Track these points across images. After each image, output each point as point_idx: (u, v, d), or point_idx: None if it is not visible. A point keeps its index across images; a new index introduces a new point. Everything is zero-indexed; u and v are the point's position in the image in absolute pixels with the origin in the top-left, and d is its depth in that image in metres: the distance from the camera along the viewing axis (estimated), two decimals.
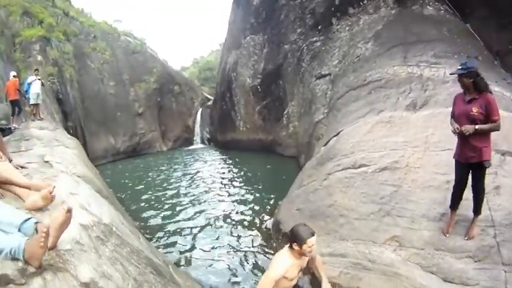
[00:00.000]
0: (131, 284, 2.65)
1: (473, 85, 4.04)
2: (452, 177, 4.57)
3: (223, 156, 21.60)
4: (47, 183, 3.04)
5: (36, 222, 2.35)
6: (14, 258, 2.11)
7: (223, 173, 16.01)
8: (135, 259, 3.17)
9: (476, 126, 3.93)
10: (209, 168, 17.84)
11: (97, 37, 28.39)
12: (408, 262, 4.41)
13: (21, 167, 3.57)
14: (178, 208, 10.49)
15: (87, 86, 25.07)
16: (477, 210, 4.28)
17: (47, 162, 4.76)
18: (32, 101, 12.59)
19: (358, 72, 9.87)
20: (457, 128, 4.05)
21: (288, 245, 3.68)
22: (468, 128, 3.93)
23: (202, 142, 31.66)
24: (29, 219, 2.36)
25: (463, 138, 4.10)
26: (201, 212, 9.87)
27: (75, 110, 21.58)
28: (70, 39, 25.23)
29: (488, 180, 4.45)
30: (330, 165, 6.94)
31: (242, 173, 15.36)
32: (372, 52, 10.12)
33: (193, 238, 7.85)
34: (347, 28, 12.68)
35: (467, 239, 4.30)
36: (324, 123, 10.87)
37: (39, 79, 12.91)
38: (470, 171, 4.22)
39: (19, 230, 2.30)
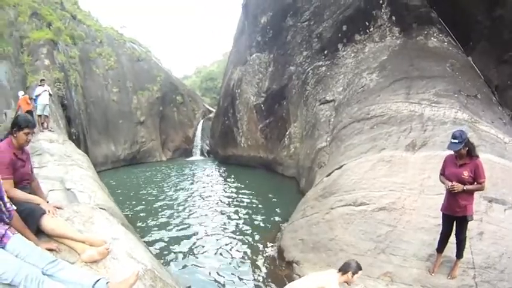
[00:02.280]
0: None
1: (466, 152, 4.53)
2: (440, 221, 5.03)
3: (224, 171, 21.71)
4: (101, 240, 3.23)
5: (107, 282, 2.62)
6: None
7: (223, 186, 16.19)
8: None
9: (465, 187, 4.46)
10: (210, 182, 17.96)
11: (103, 42, 28.74)
12: None
13: (59, 208, 3.69)
14: (175, 216, 10.78)
15: (91, 92, 25.33)
16: (459, 254, 4.81)
17: (69, 189, 5.13)
18: (39, 112, 12.67)
19: (362, 104, 10.00)
20: (451, 186, 4.52)
21: (338, 271, 3.95)
22: (458, 187, 4.46)
23: (202, 154, 31.77)
24: (99, 279, 2.61)
25: (451, 194, 4.60)
26: (198, 224, 10.09)
27: (79, 116, 21.69)
28: (77, 43, 25.52)
29: (474, 226, 5.06)
30: (332, 200, 7.33)
31: (242, 188, 15.47)
32: (377, 84, 10.25)
33: (192, 254, 8.01)
34: (353, 55, 12.85)
35: (450, 278, 4.85)
36: (326, 151, 10.98)
37: (45, 90, 12.97)
38: (455, 222, 4.73)
39: None
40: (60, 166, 6.78)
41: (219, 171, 21.85)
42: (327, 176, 8.58)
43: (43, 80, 14.17)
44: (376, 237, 5.87)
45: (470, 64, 10.22)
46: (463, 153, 4.51)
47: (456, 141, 4.43)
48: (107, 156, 24.76)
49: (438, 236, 5.00)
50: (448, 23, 11.25)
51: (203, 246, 8.54)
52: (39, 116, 12.68)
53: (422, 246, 5.38)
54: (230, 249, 8.35)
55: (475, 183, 4.48)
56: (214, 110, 32.34)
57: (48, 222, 3.15)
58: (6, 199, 2.79)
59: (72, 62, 23.44)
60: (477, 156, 4.55)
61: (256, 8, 20.74)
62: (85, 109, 23.73)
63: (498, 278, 4.62)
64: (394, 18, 12.14)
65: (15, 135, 3.47)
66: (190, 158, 30.95)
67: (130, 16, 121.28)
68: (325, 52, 14.33)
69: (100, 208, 4.75)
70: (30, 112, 12.35)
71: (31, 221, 3.11)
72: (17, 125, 3.45)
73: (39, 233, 3.13)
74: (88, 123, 23.65)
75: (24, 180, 3.67)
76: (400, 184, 6.55)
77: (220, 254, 8.08)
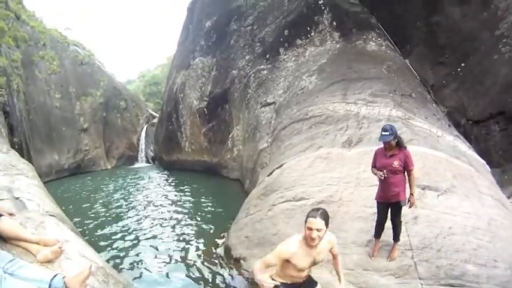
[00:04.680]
0: None
1: (396, 144, 4.84)
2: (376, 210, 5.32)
3: (169, 176, 21.40)
4: (54, 239, 3.36)
5: (63, 277, 2.77)
6: None
7: (170, 192, 15.87)
8: None
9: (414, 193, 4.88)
10: (155, 188, 17.56)
11: (46, 45, 27.19)
12: None
13: (11, 214, 3.67)
14: (123, 225, 10.47)
15: (33, 98, 23.79)
16: (396, 237, 5.10)
17: (17, 198, 5.23)
18: None
19: (301, 105, 10.24)
20: (382, 175, 4.84)
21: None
22: (415, 202, 4.94)
23: (147, 161, 31.27)
24: (56, 275, 2.77)
25: (384, 183, 4.93)
26: (147, 231, 9.87)
27: (21, 124, 19.96)
28: (20, 46, 23.79)
29: (408, 212, 5.35)
30: (274, 197, 7.47)
31: (188, 193, 15.31)
32: (315, 86, 10.54)
33: (140, 260, 7.83)
34: (293, 59, 13.14)
35: (389, 261, 5.09)
36: (268, 152, 11.08)
37: None
38: (390, 209, 5.02)
39: (49, 286, 2.69)
40: (6, 176, 6.70)
41: (164, 177, 21.46)
42: (268, 175, 8.72)
43: None
44: None
45: (407, 66, 10.94)
46: (393, 145, 4.81)
47: (387, 133, 4.71)
48: (51, 166, 23.26)
49: (375, 224, 5.26)
50: (386, 28, 11.97)
51: (151, 251, 8.39)
52: None
53: (360, 234, 5.66)
54: (178, 252, 8.30)
55: (405, 171, 4.82)
56: (157, 115, 31.71)
57: (4, 225, 3.20)
58: None
59: (14, 65, 21.75)
60: (405, 147, 4.85)
61: (201, 12, 20.76)
62: (27, 116, 22.04)
63: (436, 256, 4.89)
64: (335, 23, 12.60)
65: None
66: (135, 165, 30.35)
67: (75, 17, 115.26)
68: (267, 56, 14.53)
69: (50, 215, 4.85)
70: None
71: None
72: None
73: None
74: (31, 132, 21.96)
75: None
76: (337, 178, 6.80)
77: (169, 256, 7.99)
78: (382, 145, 5.02)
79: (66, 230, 4.40)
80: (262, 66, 14.68)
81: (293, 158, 8.42)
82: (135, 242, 9.17)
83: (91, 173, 26.31)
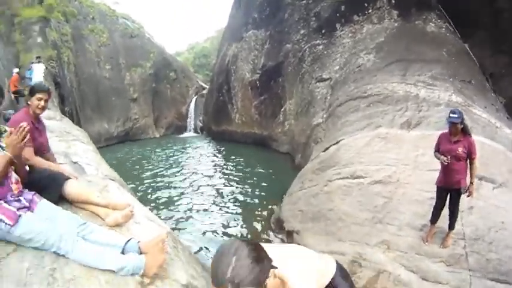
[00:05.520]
0: (205, 280, 3.10)
1: (461, 130, 4.84)
2: (434, 195, 5.37)
3: (218, 147, 22.00)
4: (124, 203, 3.22)
5: (138, 242, 2.67)
6: (132, 274, 2.42)
7: (219, 162, 16.59)
8: (186, 255, 3.52)
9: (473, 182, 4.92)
10: (205, 158, 18.29)
11: (95, 19, 28.14)
12: (394, 262, 5.18)
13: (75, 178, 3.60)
14: (174, 192, 11.13)
15: (83, 69, 25.02)
16: (451, 225, 5.17)
17: (75, 163, 5.05)
18: None
19: (359, 83, 10.36)
20: (446, 160, 4.81)
21: None
22: (473, 192, 4.96)
23: (195, 131, 31.68)
24: (130, 239, 2.66)
25: (447, 169, 4.96)
26: (197, 199, 10.47)
27: (72, 94, 21.49)
28: (69, 20, 24.96)
29: (464, 201, 5.32)
30: (330, 173, 7.66)
31: (238, 164, 15.91)
32: (373, 64, 10.59)
33: (194, 224, 8.45)
34: (350, 35, 13.09)
35: (442, 248, 5.18)
36: (322, 128, 11.39)
37: (39, 63, 13.03)
38: (449, 195, 5.08)
39: (123, 250, 2.58)
40: (62, 142, 6.71)
41: (213, 148, 22.16)
42: (324, 150, 8.96)
43: (38, 57, 14.19)
44: (373, 207, 6.23)
45: (466, 50, 10.61)
46: (458, 129, 4.80)
47: (455, 115, 4.72)
48: (100, 134, 24.52)
49: (431, 208, 5.35)
50: (446, 9, 11.55)
51: (204, 218, 8.97)
52: None
53: (416, 217, 5.74)
54: (230, 221, 8.79)
55: (468, 159, 4.84)
56: (207, 87, 32.17)
57: (72, 188, 3.12)
58: (14, 176, 2.66)
59: (64, 39, 23.05)
60: (470, 135, 4.89)
61: None
62: (77, 87, 23.50)
63: (487, 249, 4.96)
64: (393, 1, 12.36)
65: (29, 102, 3.44)
66: (184, 135, 30.96)
67: None
68: (323, 31, 14.53)
69: (110, 179, 4.73)
70: (18, 92, 12.59)
71: (54, 187, 3.07)
72: (30, 91, 3.44)
73: (59, 201, 3.06)
74: (81, 101, 23.49)
75: (40, 150, 3.65)
76: (395, 159, 6.95)
77: (222, 224, 8.52)
78: (446, 130, 5.04)
79: (128, 195, 4.26)
80: (317, 41, 14.73)
81: (350, 135, 8.55)
82: (186, 208, 9.78)
83: (139, 141, 27.46)
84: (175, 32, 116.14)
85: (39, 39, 19.38)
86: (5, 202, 2.45)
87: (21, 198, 2.60)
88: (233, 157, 17.63)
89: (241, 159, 16.91)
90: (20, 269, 2.24)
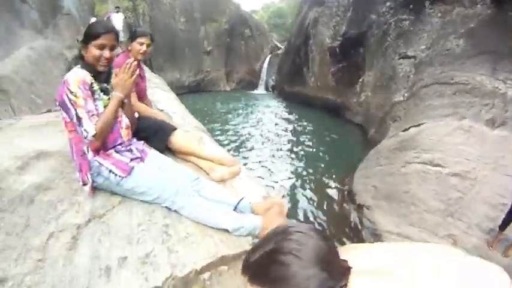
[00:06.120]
0: None
1: None
2: (507, 201, 5.58)
3: (288, 108, 22.52)
4: (232, 159, 3.13)
5: (250, 202, 2.58)
6: (247, 235, 2.33)
7: (290, 124, 17.29)
8: None
9: None
10: (277, 118, 19.05)
11: None
12: None
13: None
14: (241, 149, 11.97)
15: (158, 20, 26.04)
16: None
17: (162, 110, 4.63)
18: None
19: (446, 67, 10.48)
20: None
21: None
22: None
23: (266, 89, 32.08)
24: (242, 198, 2.57)
25: None
26: (268, 160, 11.16)
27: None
28: None
29: None
30: (409, 155, 8.03)
31: (310, 128, 16.61)
32: (462, 51, 10.59)
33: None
34: (439, 15, 12.83)
35: (503, 256, 5.27)
36: (403, 106, 11.68)
37: (118, 13, 13.61)
38: None
39: (235, 208, 2.51)
40: None
41: (284, 108, 22.81)
42: (404, 130, 9.39)
43: (117, 7, 15.02)
44: (447, 199, 6.60)
45: None
46: None
47: None
48: (171, 83, 25.19)
49: (501, 214, 5.50)
50: None
51: (269, 180, 9.66)
52: None
53: (486, 219, 5.92)
54: (299, 185, 9.42)
55: None
56: (282, 47, 32.33)
57: (178, 139, 3.00)
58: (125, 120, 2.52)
59: None
60: None
61: None
62: None
63: None
64: None
65: (129, 48, 3.36)
66: (254, 91, 31.63)
67: None
68: (411, 6, 14.31)
69: (201, 131, 4.59)
70: None
71: (161, 137, 2.97)
72: (131, 35, 3.37)
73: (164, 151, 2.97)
74: (154, 51, 24.39)
75: (141, 97, 3.61)
76: (476, 156, 7.25)
77: (291, 187, 9.15)
78: None
79: (220, 147, 4.03)
80: (404, 16, 14.59)
81: (433, 121, 8.82)
82: (252, 166, 10.48)
83: (210, 92, 28.45)
84: None
85: None
86: (116, 152, 2.36)
87: (132, 147, 2.50)
88: (305, 121, 18.26)
89: (313, 124, 17.58)
90: (130, 224, 2.16)
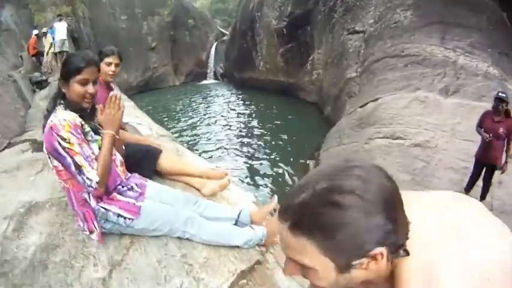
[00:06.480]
0: None
1: (505, 111, 5.35)
2: (468, 164, 5.90)
3: (241, 95, 22.32)
4: (220, 171, 3.06)
5: (249, 212, 2.58)
6: (256, 245, 2.39)
7: (245, 112, 17.09)
8: None
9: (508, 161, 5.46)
10: (230, 107, 18.79)
11: None
12: None
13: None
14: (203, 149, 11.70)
15: (99, 22, 24.90)
16: (483, 196, 5.70)
17: (126, 123, 4.42)
18: (57, 49, 12.67)
19: (396, 41, 10.58)
20: (488, 137, 5.35)
21: None
22: (506, 170, 5.52)
23: (215, 78, 31.59)
24: (241, 209, 2.54)
25: (487, 145, 5.46)
26: (229, 150, 11.08)
27: (90, 47, 21.44)
28: None
29: (495, 175, 5.75)
30: (370, 131, 8.16)
31: (265, 113, 16.44)
32: (410, 23, 10.72)
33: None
34: None
35: None
36: (357, 82, 11.73)
37: (61, 21, 12.95)
38: (485, 168, 5.64)
39: (236, 222, 2.48)
40: None
41: (236, 96, 22.55)
42: (361, 106, 9.45)
43: (60, 15, 14.15)
44: (412, 170, 6.79)
45: (504, 20, 10.59)
46: (502, 110, 5.31)
47: (504, 95, 5.31)
48: (119, 85, 24.17)
49: (464, 177, 5.92)
50: None
51: (236, 165, 9.65)
52: (59, 53, 12.72)
53: (451, 184, 6.17)
54: (265, 172, 9.38)
55: (506, 138, 5.36)
56: (227, 33, 31.86)
57: (166, 161, 2.90)
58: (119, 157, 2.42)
59: None
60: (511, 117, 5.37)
61: None
62: (95, 40, 23.53)
63: (510, 224, 5.67)
64: None
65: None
66: (204, 82, 31.07)
67: None
68: None
69: (173, 140, 4.41)
70: (36, 55, 13.14)
71: (149, 162, 2.84)
72: (99, 54, 3.04)
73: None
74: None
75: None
76: (434, 125, 7.47)
77: (258, 174, 9.08)
78: (489, 108, 5.58)
79: (200, 157, 3.90)
80: None
81: (389, 94, 8.95)
82: (213, 157, 10.38)
83: (160, 90, 27.66)
84: None
85: None
86: (119, 194, 2.22)
87: (132, 184, 2.34)
88: (259, 107, 18.17)
89: (268, 108, 17.53)
90: (150, 264, 2.10)
